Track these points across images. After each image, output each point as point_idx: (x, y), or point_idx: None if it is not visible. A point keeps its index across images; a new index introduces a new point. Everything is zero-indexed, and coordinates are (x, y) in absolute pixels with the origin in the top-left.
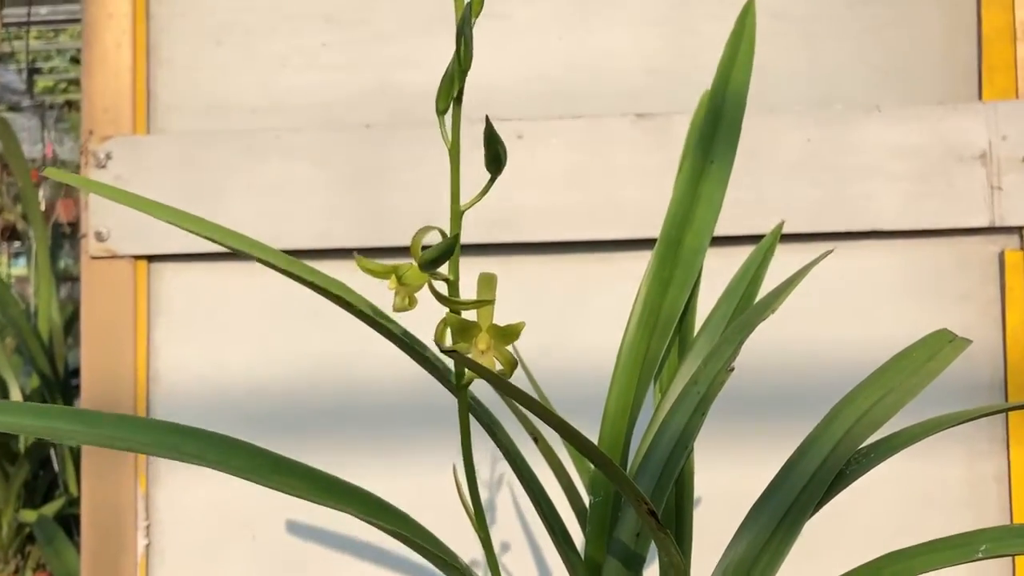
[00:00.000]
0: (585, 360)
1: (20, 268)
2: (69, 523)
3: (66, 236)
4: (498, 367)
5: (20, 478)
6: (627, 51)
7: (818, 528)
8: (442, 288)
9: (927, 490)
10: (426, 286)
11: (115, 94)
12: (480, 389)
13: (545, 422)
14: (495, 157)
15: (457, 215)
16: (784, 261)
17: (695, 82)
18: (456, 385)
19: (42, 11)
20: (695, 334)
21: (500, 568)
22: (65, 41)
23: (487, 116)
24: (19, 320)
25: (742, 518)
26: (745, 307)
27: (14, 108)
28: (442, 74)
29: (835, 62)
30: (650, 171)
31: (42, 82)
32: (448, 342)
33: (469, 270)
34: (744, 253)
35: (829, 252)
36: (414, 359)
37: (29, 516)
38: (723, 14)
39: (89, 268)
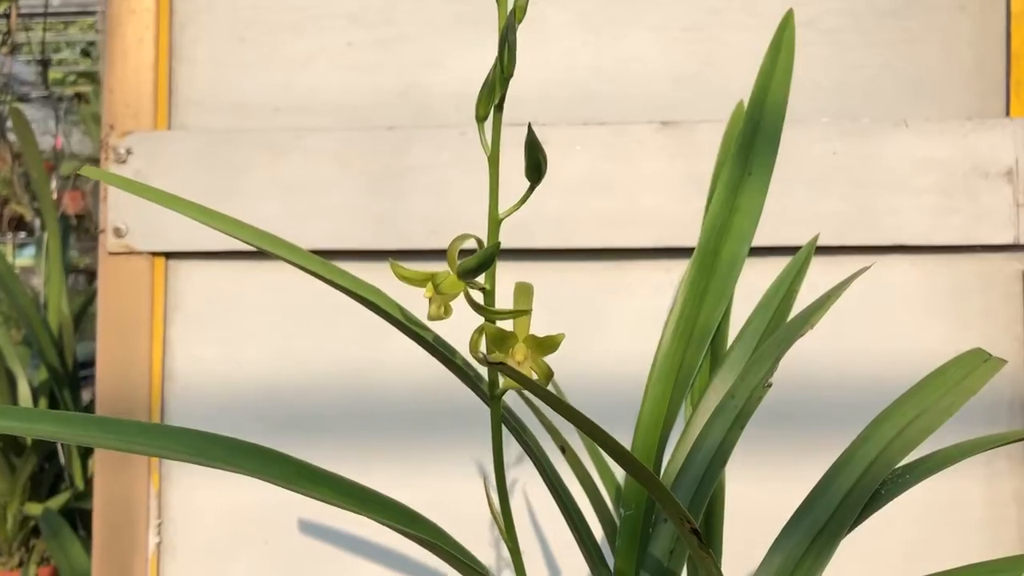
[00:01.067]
0: (605, 369)
1: (26, 259)
2: (75, 517)
3: (73, 228)
4: (534, 377)
5: (26, 471)
6: (653, 58)
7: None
8: (478, 297)
9: (944, 510)
10: (462, 295)
11: (136, 89)
12: (506, 397)
13: (590, 435)
14: (536, 165)
15: (496, 223)
16: (807, 274)
17: (721, 91)
18: (490, 395)
19: (54, 2)
20: (728, 347)
21: None
22: (75, 33)
23: (529, 124)
24: (29, 311)
25: (765, 534)
26: (779, 321)
27: (24, 99)
28: (465, 75)
29: (863, 75)
30: (674, 180)
31: (52, 74)
32: (483, 352)
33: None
34: (768, 264)
35: (867, 268)
36: (446, 366)
37: (34, 509)
38: (751, 24)
39: (106, 264)
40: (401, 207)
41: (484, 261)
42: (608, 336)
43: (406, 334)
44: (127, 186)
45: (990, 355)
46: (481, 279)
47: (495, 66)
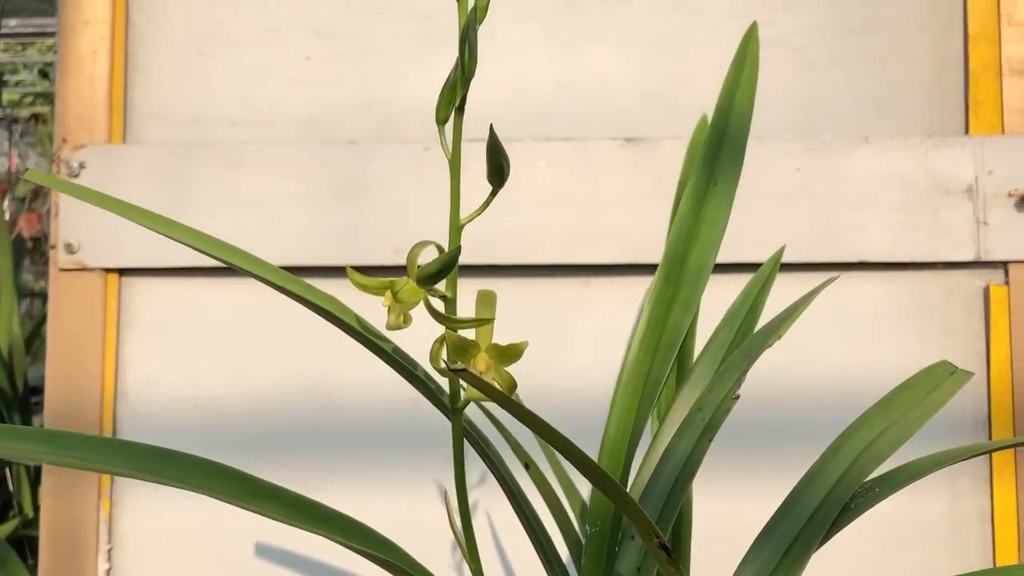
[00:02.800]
0: (570, 385)
1: None
2: (23, 545)
3: (28, 251)
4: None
5: None
6: (618, 74)
7: None
8: (439, 305)
9: (907, 528)
10: (422, 303)
11: (90, 102)
12: (468, 412)
13: (554, 445)
14: (498, 169)
15: (456, 228)
16: (772, 290)
17: (685, 107)
18: (451, 407)
19: (11, 23)
20: (695, 359)
21: None
22: (33, 55)
23: (491, 125)
24: None
25: (732, 551)
26: (746, 334)
27: None
28: (429, 90)
29: (828, 92)
30: (638, 196)
31: (8, 95)
32: (445, 362)
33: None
34: (732, 281)
35: (835, 277)
36: (405, 378)
37: None
38: (715, 39)
39: (57, 280)
40: (363, 223)
41: (444, 266)
42: (572, 352)
43: (364, 345)
44: (87, 196)
45: (956, 367)
46: (442, 287)
47: (456, 67)
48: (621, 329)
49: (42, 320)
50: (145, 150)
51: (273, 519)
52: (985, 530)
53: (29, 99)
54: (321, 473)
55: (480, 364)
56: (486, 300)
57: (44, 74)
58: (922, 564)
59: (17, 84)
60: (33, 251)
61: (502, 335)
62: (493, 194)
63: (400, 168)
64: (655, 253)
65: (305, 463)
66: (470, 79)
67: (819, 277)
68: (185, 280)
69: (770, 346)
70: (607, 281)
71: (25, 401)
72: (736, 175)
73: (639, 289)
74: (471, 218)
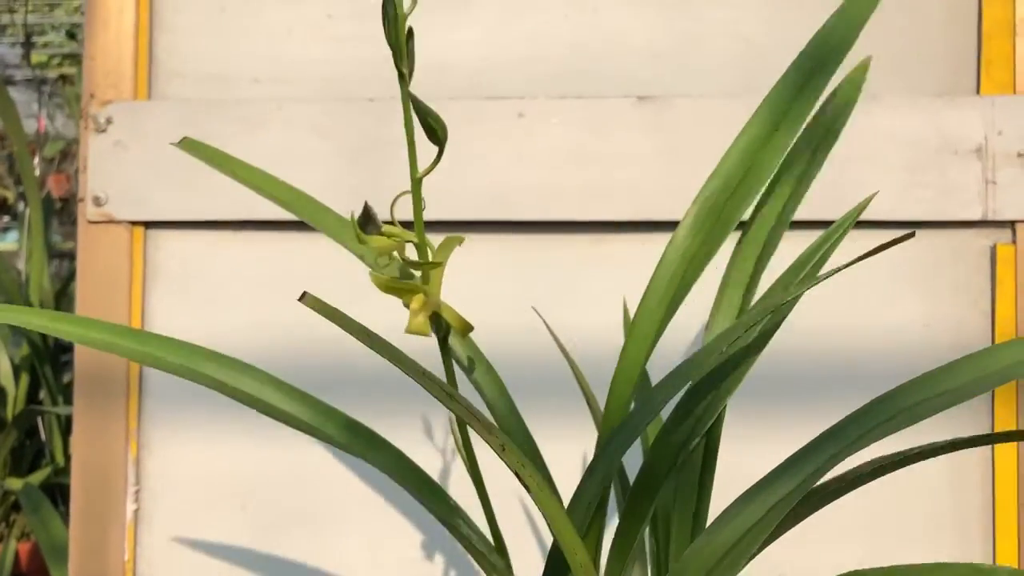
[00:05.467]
0: (577, 341)
1: (9, 243)
2: (55, 493)
3: (56, 212)
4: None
5: (7, 446)
6: (632, 34)
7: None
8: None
9: (907, 496)
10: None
11: (117, 59)
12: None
13: (382, 353)
14: (430, 130)
15: (417, 181)
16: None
17: (698, 67)
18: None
19: None
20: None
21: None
22: (60, 16)
23: (412, 96)
24: (10, 287)
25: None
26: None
27: (8, 82)
28: (448, 49)
29: None
30: (651, 154)
31: (36, 57)
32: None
33: (465, 246)
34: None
35: (909, 235)
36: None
37: (15, 484)
38: (729, 1)
39: (86, 233)
40: (381, 180)
41: (366, 217)
42: (585, 308)
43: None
44: (218, 160)
45: None
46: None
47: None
48: (634, 286)
49: (71, 277)
50: (170, 106)
51: (309, 431)
52: (986, 492)
53: (57, 60)
54: None
55: (414, 303)
56: (446, 246)
57: (71, 35)
58: (921, 530)
59: (45, 46)
60: (61, 212)
61: (513, 290)
62: (439, 153)
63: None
64: (667, 210)
65: None
66: (398, 49)
67: (823, 235)
68: (209, 233)
69: (793, 298)
70: (618, 238)
71: (55, 354)
72: (799, 126)
73: (651, 246)
74: (427, 172)
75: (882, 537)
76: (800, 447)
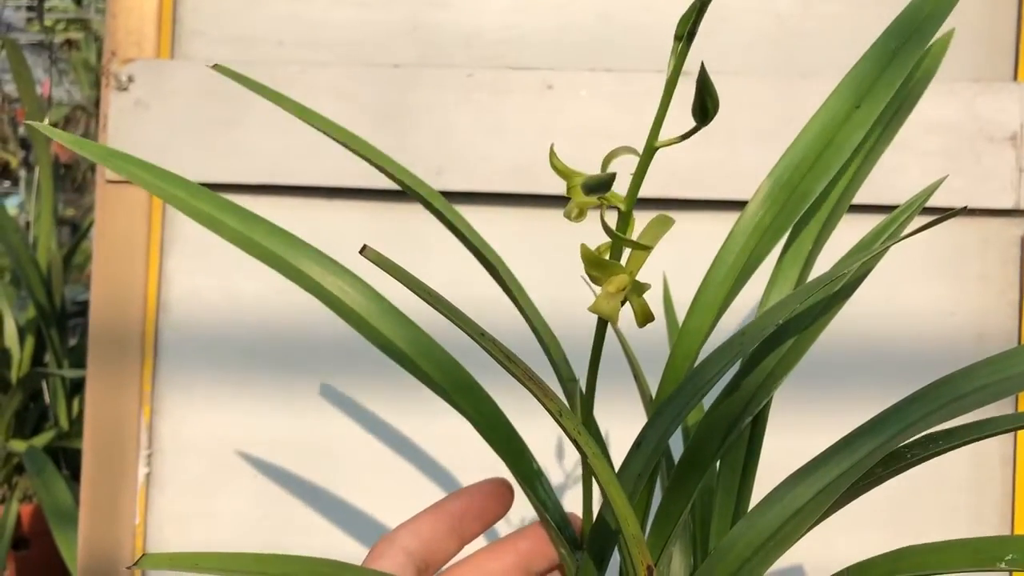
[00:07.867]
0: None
1: (11, 208)
2: (58, 456)
3: (60, 178)
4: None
5: (11, 408)
6: (662, 6)
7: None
8: (611, 218)
9: (925, 488)
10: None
11: (139, 16)
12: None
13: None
14: (702, 107)
15: (650, 151)
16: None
17: (727, 44)
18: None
19: None
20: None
21: None
22: None
23: (702, 64)
24: (18, 247)
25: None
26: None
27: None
28: (473, 15)
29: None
30: (680, 129)
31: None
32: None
33: (489, 218)
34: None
35: (956, 212)
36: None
37: (19, 446)
38: None
39: (105, 192)
40: (405, 146)
41: (601, 182)
42: None
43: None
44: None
45: None
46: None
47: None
48: (662, 263)
49: (77, 243)
50: (192, 66)
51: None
52: (1005, 474)
53: (62, 25)
54: (356, 388)
55: (611, 286)
56: (655, 226)
57: (78, 0)
58: (939, 505)
59: (50, 10)
60: (64, 178)
61: (536, 264)
62: (695, 129)
63: (443, 92)
64: (697, 188)
65: (344, 378)
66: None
67: (856, 220)
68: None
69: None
70: (646, 215)
71: (63, 317)
72: (882, 102)
73: (681, 224)
74: (668, 143)
75: (902, 526)
76: (838, 431)
